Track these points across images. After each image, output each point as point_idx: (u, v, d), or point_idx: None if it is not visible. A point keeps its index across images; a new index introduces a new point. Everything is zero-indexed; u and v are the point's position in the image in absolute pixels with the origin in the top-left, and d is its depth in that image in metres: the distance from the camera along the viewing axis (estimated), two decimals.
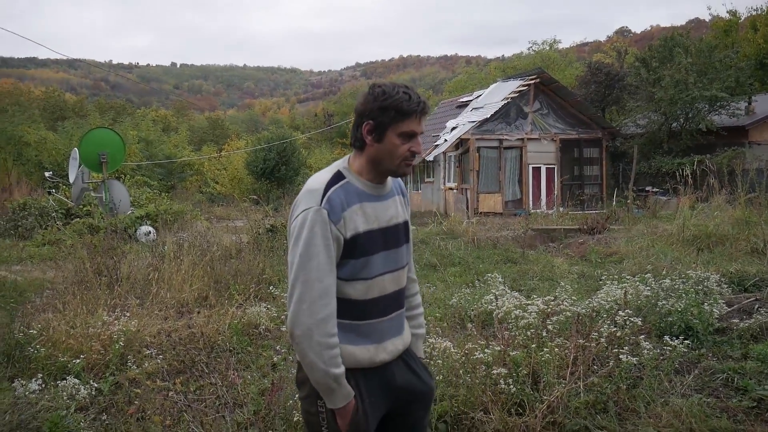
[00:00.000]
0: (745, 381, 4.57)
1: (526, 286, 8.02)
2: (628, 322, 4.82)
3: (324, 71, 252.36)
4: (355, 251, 2.05)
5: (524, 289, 7.68)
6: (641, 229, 11.77)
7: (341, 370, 2.02)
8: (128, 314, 5.82)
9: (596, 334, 4.43)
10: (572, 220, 15.06)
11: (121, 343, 5.04)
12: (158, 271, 7.22)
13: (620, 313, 4.89)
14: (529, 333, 4.43)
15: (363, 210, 2.08)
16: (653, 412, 4.02)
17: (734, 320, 5.89)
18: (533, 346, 4.15)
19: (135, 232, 13.63)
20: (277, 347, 5.34)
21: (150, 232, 13.55)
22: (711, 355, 5.22)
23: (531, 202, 22.07)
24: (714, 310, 5.93)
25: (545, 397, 3.87)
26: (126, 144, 19.97)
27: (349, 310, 2.09)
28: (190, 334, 5.64)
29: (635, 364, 4.54)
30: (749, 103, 23.71)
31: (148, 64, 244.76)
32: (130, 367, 4.82)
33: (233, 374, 4.47)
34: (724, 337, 5.63)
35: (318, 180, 2.10)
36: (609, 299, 5.93)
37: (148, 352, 5.21)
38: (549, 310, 4.81)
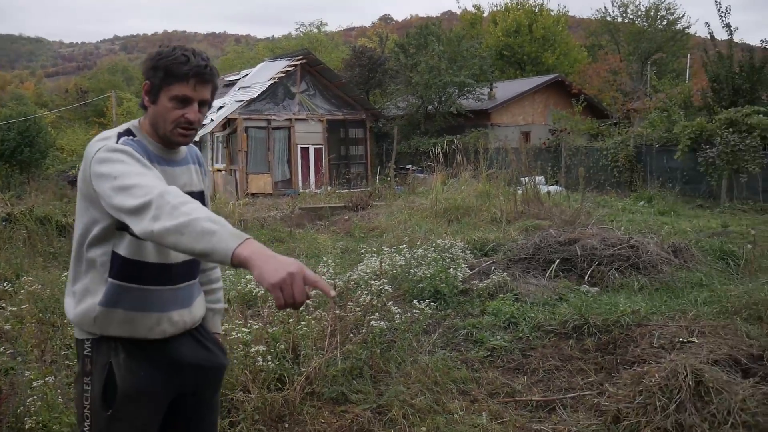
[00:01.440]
0: (482, 334, 5.12)
1: None
2: (383, 291, 5.11)
3: (77, 43, 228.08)
4: None
5: None
6: (400, 204, 12.57)
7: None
8: None
9: (352, 303, 4.62)
10: (339, 198, 15.58)
11: None
12: None
13: (374, 282, 5.16)
14: (288, 309, 4.46)
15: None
16: (404, 371, 4.32)
17: (475, 281, 6.56)
18: (291, 321, 4.20)
19: None
20: (11, 351, 4.72)
21: None
22: (455, 314, 5.77)
23: (300, 182, 22.37)
24: (458, 274, 6.56)
25: (304, 369, 3.95)
26: None
27: (133, 272, 1.92)
28: None
29: (390, 329, 4.85)
30: (491, 89, 26.52)
31: None
32: None
33: None
34: (467, 297, 6.25)
35: (107, 133, 1.93)
36: (368, 271, 6.23)
37: None
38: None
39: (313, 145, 23.09)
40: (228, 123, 21.65)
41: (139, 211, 1.65)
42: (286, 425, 3.65)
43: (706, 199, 15.14)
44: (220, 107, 22.44)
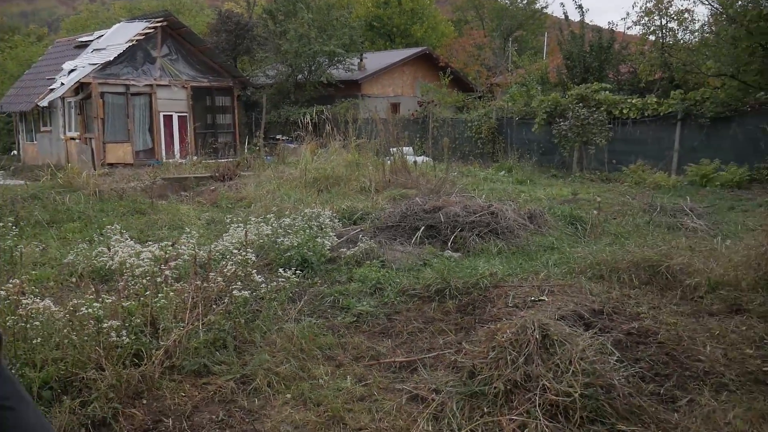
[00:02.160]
0: (348, 300, 5.18)
1: (154, 236, 7.72)
2: (248, 261, 5.01)
3: None
4: None
5: (151, 240, 7.40)
6: (269, 174, 12.35)
7: None
8: None
9: (214, 274, 4.48)
10: (205, 168, 15.02)
11: None
12: None
13: (238, 252, 5.04)
14: (145, 281, 4.26)
15: None
16: (269, 339, 4.28)
17: (343, 249, 6.61)
18: (147, 293, 4.00)
19: None
20: None
21: None
22: (322, 281, 5.78)
23: (164, 152, 21.27)
24: (326, 242, 6.57)
25: (163, 343, 3.79)
26: None
27: None
28: None
29: (255, 298, 4.77)
30: (361, 60, 26.55)
31: None
32: None
33: None
34: (335, 265, 6.28)
35: None
36: (233, 241, 6.07)
37: None
38: (167, 256, 4.69)
39: (177, 112, 21.96)
40: (81, 87, 20.03)
41: None
42: (144, 401, 3.50)
43: (560, 168, 16.21)
44: (72, 70, 20.69)
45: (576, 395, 3.01)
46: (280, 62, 25.08)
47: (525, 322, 3.40)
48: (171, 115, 21.83)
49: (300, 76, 24.90)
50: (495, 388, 3.15)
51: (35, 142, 22.78)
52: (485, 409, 3.11)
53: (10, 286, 3.57)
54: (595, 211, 8.46)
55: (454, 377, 3.46)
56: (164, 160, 19.25)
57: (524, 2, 41.47)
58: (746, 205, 10.16)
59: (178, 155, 20.71)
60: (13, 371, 3.36)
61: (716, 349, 4.04)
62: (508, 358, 3.22)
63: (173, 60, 21.92)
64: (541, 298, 4.93)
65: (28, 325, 3.49)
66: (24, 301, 3.50)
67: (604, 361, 3.43)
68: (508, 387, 3.13)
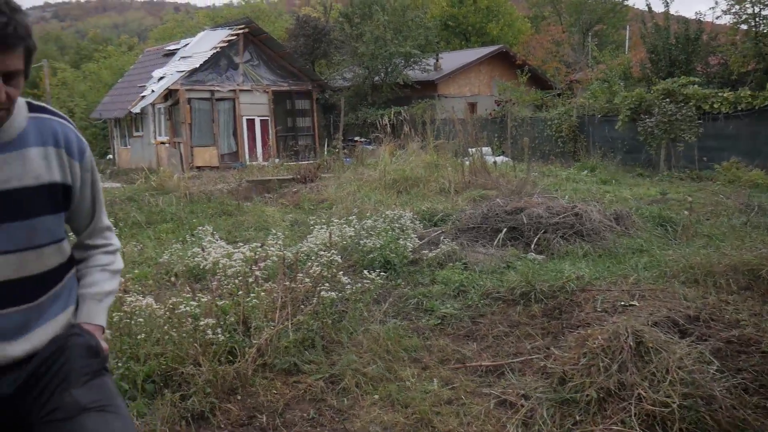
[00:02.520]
0: (432, 303, 5.19)
1: (241, 236, 8.00)
2: (333, 262, 5.11)
3: None
4: None
5: (239, 240, 7.66)
6: (349, 176, 12.52)
7: None
8: None
9: (302, 275, 4.60)
10: (287, 171, 15.41)
11: None
12: None
13: (324, 253, 5.15)
14: (237, 281, 4.42)
15: None
16: (355, 340, 4.34)
17: (425, 251, 6.62)
18: (240, 293, 4.15)
19: None
20: None
21: None
22: (405, 283, 5.82)
23: (247, 155, 21.98)
24: (408, 244, 6.60)
25: (255, 342, 3.92)
26: None
27: None
28: None
29: (340, 299, 4.86)
30: (437, 60, 26.51)
31: None
32: None
33: None
34: (417, 267, 6.31)
35: None
36: (317, 242, 6.20)
37: None
38: (257, 256, 4.84)
39: (258, 116, 22.66)
40: (170, 94, 21.00)
41: None
42: (239, 397, 3.63)
43: (646, 167, 15.63)
44: (161, 78, 21.73)
45: (674, 406, 2.90)
46: (356, 65, 25.39)
47: (617, 328, 3.31)
48: (253, 119, 22.53)
49: (376, 78, 25.12)
50: (587, 395, 3.08)
51: (129, 147, 24.05)
52: (577, 417, 3.05)
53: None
54: (686, 212, 8.10)
55: (544, 383, 3.40)
56: (247, 163, 19.90)
57: None
58: None
59: (260, 158, 21.35)
60: (119, 365, 3.58)
61: None
62: (601, 365, 3.14)
63: (255, 65, 22.61)
64: (632, 303, 4.77)
65: (132, 321, 3.70)
66: (128, 299, 3.71)
67: (703, 371, 3.29)
68: (601, 395, 3.05)
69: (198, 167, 20.02)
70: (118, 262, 1.91)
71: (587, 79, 23.58)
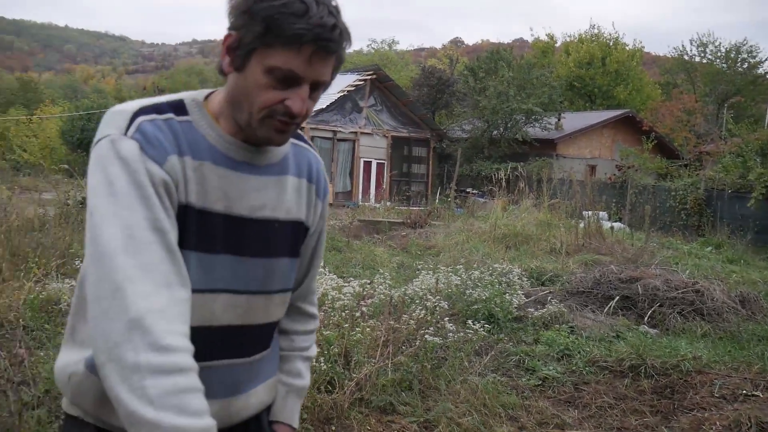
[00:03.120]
0: (534, 362, 5.05)
1: (348, 273, 8.18)
2: (437, 308, 5.11)
3: (157, 44, 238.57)
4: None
5: (346, 276, 7.84)
6: (459, 226, 12.53)
7: (205, 423, 1.02)
8: None
9: (407, 317, 4.64)
10: (397, 214, 15.65)
11: None
12: None
13: (430, 297, 5.17)
14: (343, 314, 4.52)
15: (202, 173, 1.18)
16: (453, 389, 4.29)
17: (530, 309, 6.48)
18: (346, 326, 4.24)
19: None
20: None
21: None
22: (508, 339, 5.70)
23: (360, 195, 22.59)
24: (514, 299, 6.49)
25: (354, 375, 3.98)
26: None
27: None
28: None
29: (441, 346, 4.84)
30: (558, 119, 26.22)
31: None
32: None
33: (22, 351, 4.06)
34: (521, 324, 6.17)
35: (136, 102, 1.20)
36: (423, 287, 6.23)
37: None
38: (365, 293, 4.94)
39: (376, 159, 23.30)
40: None
41: (101, 354, 1.02)
42: (333, 428, 3.68)
43: None
44: None
45: None
46: (476, 117, 25.60)
47: (739, 415, 3.08)
48: (370, 161, 23.19)
49: (495, 132, 25.18)
50: None
51: None
52: None
53: None
54: None
55: None
56: (360, 203, 20.42)
57: (744, 66, 38.22)
58: None
59: (373, 199, 21.85)
60: None
61: None
62: None
63: (378, 110, 23.38)
64: (755, 393, 4.41)
65: None
66: None
67: None
68: None
69: None
70: (314, 348, 1.57)
71: (719, 151, 22.37)
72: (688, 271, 8.69)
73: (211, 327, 1.23)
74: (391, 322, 4.47)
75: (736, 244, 14.24)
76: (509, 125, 24.85)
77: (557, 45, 43.06)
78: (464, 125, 27.02)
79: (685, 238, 15.87)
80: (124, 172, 1.08)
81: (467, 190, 21.80)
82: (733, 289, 7.77)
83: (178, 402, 0.99)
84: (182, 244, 1.15)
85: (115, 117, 1.16)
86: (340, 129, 22.47)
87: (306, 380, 1.51)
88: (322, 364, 3.88)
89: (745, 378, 4.75)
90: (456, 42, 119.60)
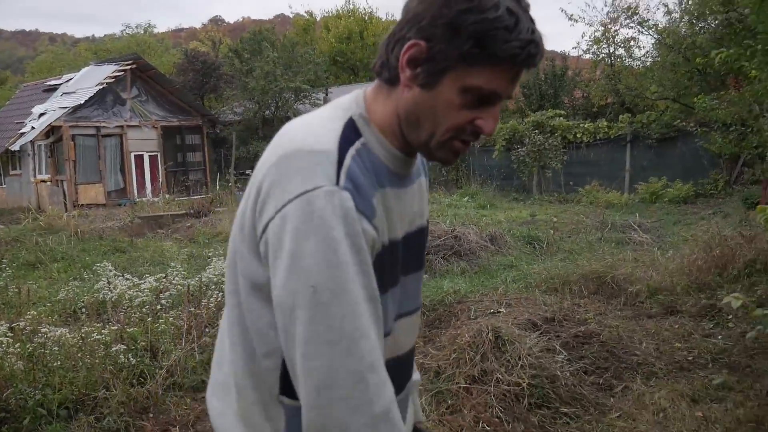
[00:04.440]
0: None
1: (137, 272, 8.14)
2: None
3: None
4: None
5: (137, 275, 7.83)
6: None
7: None
8: None
9: (205, 302, 4.98)
10: (179, 206, 15.43)
11: None
12: None
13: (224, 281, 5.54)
14: (144, 309, 4.73)
15: (386, 203, 1.07)
16: None
17: None
18: (149, 320, 4.48)
19: None
20: None
21: None
22: None
23: (136, 191, 21.59)
24: None
25: (164, 363, 4.27)
26: None
27: None
28: None
29: None
30: (326, 95, 27.31)
31: None
32: None
33: None
34: None
35: (319, 132, 1.04)
36: (216, 273, 6.55)
37: None
38: (161, 287, 5.17)
39: (147, 152, 22.35)
40: (52, 131, 20.33)
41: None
42: (151, 415, 3.96)
43: (520, 192, 17.03)
44: (42, 114, 21.01)
45: (524, 384, 3.58)
46: (247, 99, 25.68)
47: (480, 326, 3.98)
48: (142, 155, 22.21)
49: (267, 112, 25.51)
50: (457, 383, 3.71)
51: (4, 186, 22.88)
52: (449, 402, 3.66)
53: (29, 317, 4.03)
54: (551, 231, 9.15)
55: (423, 377, 4.00)
56: (136, 200, 19.58)
57: None
58: (690, 218, 10.99)
59: (150, 194, 21.04)
60: (35, 392, 3.82)
61: (650, 344, 4.67)
62: (467, 357, 3.78)
63: (143, 101, 22.38)
64: (500, 310, 5.52)
65: (48, 351, 3.95)
66: (43, 330, 3.96)
67: (551, 358, 4.02)
68: (468, 382, 3.69)
69: (83, 205, 19.46)
70: None
71: None
72: (448, 221, 10.03)
73: (400, 355, 1.17)
74: (192, 309, 4.79)
75: (486, 192, 16.46)
76: (280, 104, 25.34)
77: (317, 21, 44.27)
78: (236, 108, 26.93)
79: (447, 192, 17.86)
80: (345, 237, 0.93)
81: (247, 173, 21.98)
82: (484, 230, 9.21)
83: None
84: (390, 279, 1.08)
85: (318, 160, 0.98)
86: (104, 124, 21.12)
87: (418, 373, 1.40)
88: (132, 359, 4.11)
89: (493, 300, 5.89)
90: (216, 21, 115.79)
